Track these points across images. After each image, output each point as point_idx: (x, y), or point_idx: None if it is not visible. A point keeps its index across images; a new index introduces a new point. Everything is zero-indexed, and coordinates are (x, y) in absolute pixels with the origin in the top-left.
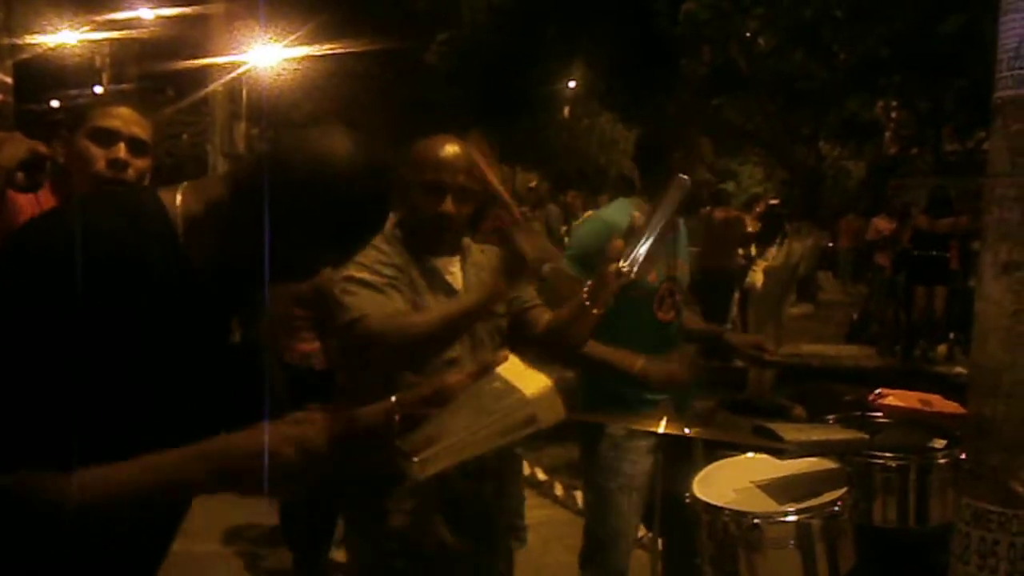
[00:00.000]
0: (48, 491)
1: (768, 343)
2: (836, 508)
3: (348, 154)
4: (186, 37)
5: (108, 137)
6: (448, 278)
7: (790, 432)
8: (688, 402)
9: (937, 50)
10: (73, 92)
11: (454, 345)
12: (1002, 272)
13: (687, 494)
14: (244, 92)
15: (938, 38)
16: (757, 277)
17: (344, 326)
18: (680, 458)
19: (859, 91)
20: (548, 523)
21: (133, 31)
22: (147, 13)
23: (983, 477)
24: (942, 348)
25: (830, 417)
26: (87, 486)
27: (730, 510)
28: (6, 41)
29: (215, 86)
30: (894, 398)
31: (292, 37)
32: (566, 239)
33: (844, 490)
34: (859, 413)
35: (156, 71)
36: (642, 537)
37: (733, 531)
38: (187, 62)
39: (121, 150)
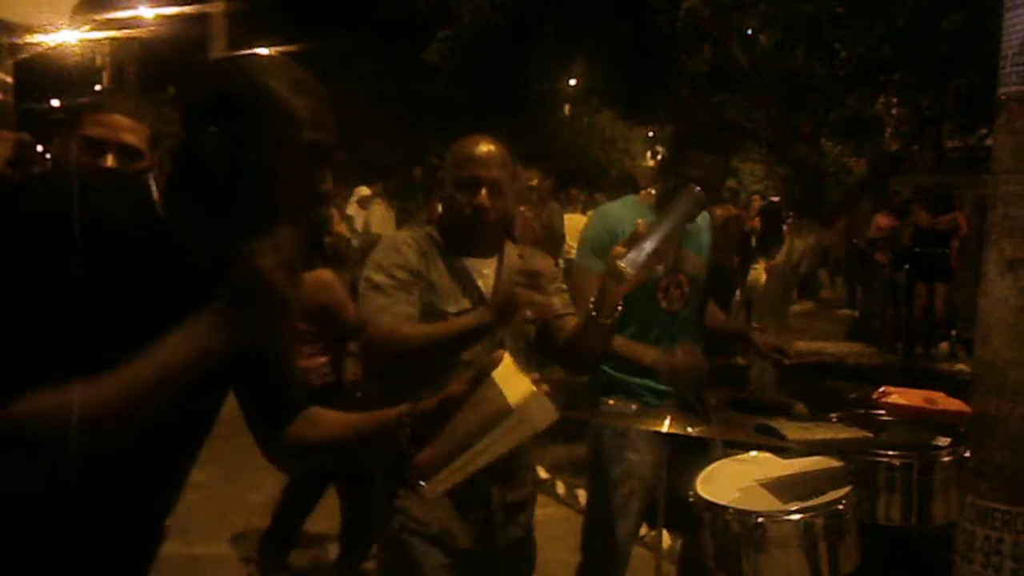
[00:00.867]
0: (49, 408)
1: (788, 346)
2: (840, 507)
3: (285, 69)
4: (186, 36)
5: (96, 147)
6: (479, 280)
7: (793, 430)
8: (691, 399)
9: (939, 47)
10: (74, 91)
11: (473, 347)
12: (1007, 269)
13: (690, 492)
14: None
15: (940, 35)
16: (759, 275)
17: (358, 331)
18: (688, 456)
19: (860, 88)
20: (550, 521)
21: (133, 30)
22: (147, 12)
23: (987, 475)
24: (943, 346)
25: (833, 415)
26: (92, 397)
27: (734, 509)
28: (6, 40)
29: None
30: (898, 396)
31: (292, 35)
32: (567, 237)
33: (848, 489)
34: (863, 411)
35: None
36: (644, 536)
37: (737, 530)
38: (187, 60)
39: (109, 160)
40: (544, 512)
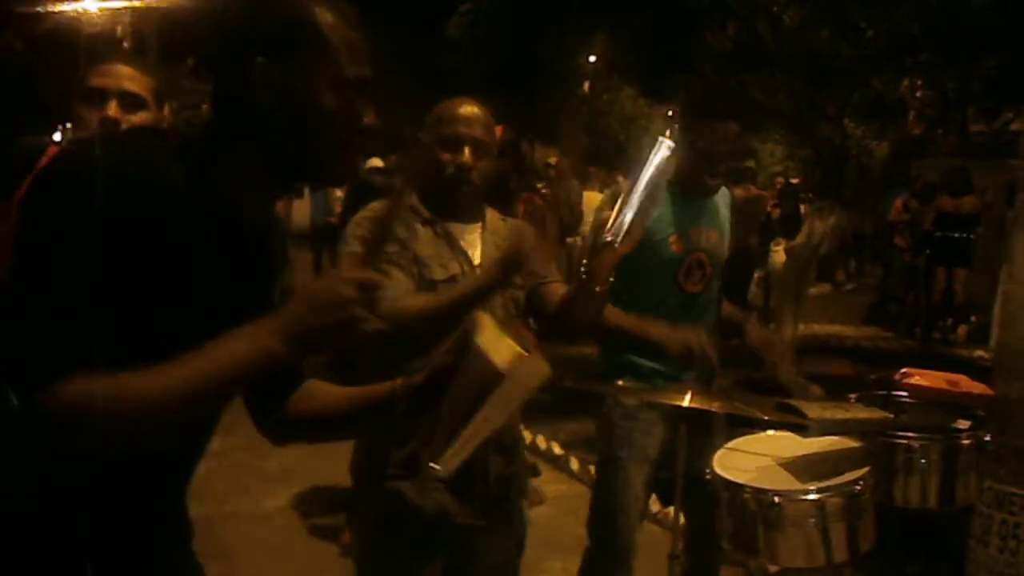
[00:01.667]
0: (98, 397)
1: (775, 350)
2: (857, 487)
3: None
4: (206, 7)
5: (98, 96)
6: (464, 245)
7: (813, 410)
8: (706, 379)
9: (968, 25)
10: (95, 62)
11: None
12: None
13: (707, 470)
14: None
15: (970, 12)
16: (779, 257)
17: None
18: (700, 434)
19: (885, 69)
20: (563, 497)
21: (154, 1)
22: None
23: (1006, 459)
24: (962, 330)
25: (853, 396)
26: (134, 389)
27: (751, 487)
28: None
29: None
30: (920, 378)
31: None
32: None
33: (866, 469)
34: (883, 392)
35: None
36: (657, 512)
37: (753, 508)
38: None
39: (112, 108)
40: (558, 488)
